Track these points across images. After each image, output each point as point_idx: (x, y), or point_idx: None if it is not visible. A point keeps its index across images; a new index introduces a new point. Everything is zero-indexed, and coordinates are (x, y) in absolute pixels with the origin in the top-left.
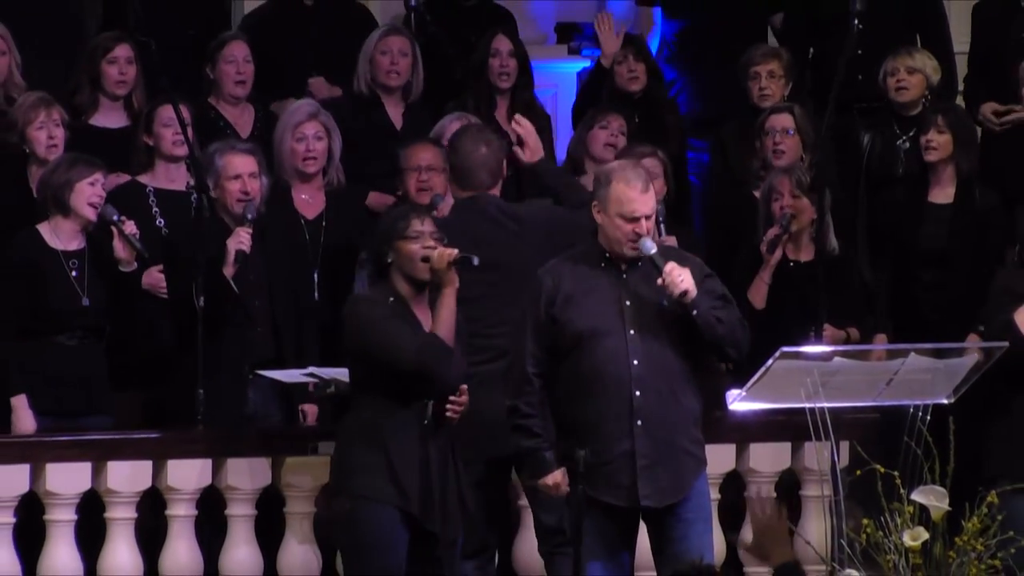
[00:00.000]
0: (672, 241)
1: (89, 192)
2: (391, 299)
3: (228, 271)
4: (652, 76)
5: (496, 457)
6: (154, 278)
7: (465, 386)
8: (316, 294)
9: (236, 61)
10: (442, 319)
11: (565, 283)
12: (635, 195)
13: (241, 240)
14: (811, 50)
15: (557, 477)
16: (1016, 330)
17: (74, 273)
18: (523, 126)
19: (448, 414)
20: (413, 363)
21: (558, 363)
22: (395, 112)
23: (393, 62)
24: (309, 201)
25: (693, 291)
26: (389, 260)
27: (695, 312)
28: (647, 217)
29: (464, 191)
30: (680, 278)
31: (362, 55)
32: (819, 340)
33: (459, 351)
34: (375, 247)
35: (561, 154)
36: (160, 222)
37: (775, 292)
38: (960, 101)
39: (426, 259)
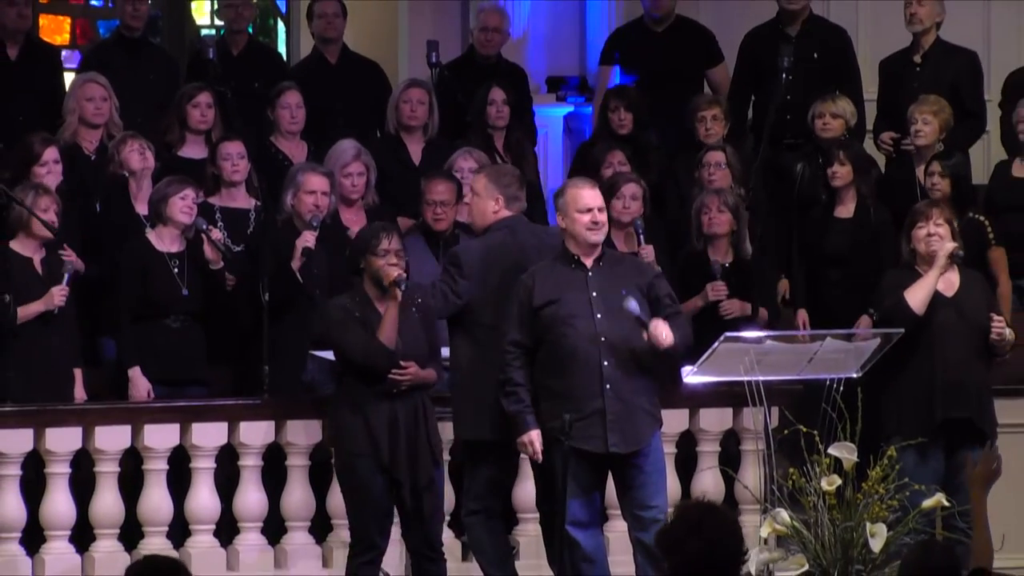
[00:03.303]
0: (649, 250)
1: (180, 204)
2: (357, 299)
3: (295, 264)
4: (638, 123)
5: None
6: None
7: (411, 362)
8: None
9: (290, 107)
10: (383, 326)
11: (544, 282)
12: (584, 192)
13: (307, 240)
14: (752, 96)
15: (533, 436)
16: (906, 306)
17: (176, 270)
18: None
19: (396, 379)
20: (359, 362)
21: (541, 344)
22: (415, 149)
23: (413, 109)
24: (353, 219)
25: (671, 342)
26: (361, 266)
27: (671, 352)
28: (600, 209)
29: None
30: (664, 334)
31: (390, 104)
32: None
33: (417, 340)
34: (351, 252)
35: (551, 179)
36: (224, 234)
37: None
38: (869, 137)
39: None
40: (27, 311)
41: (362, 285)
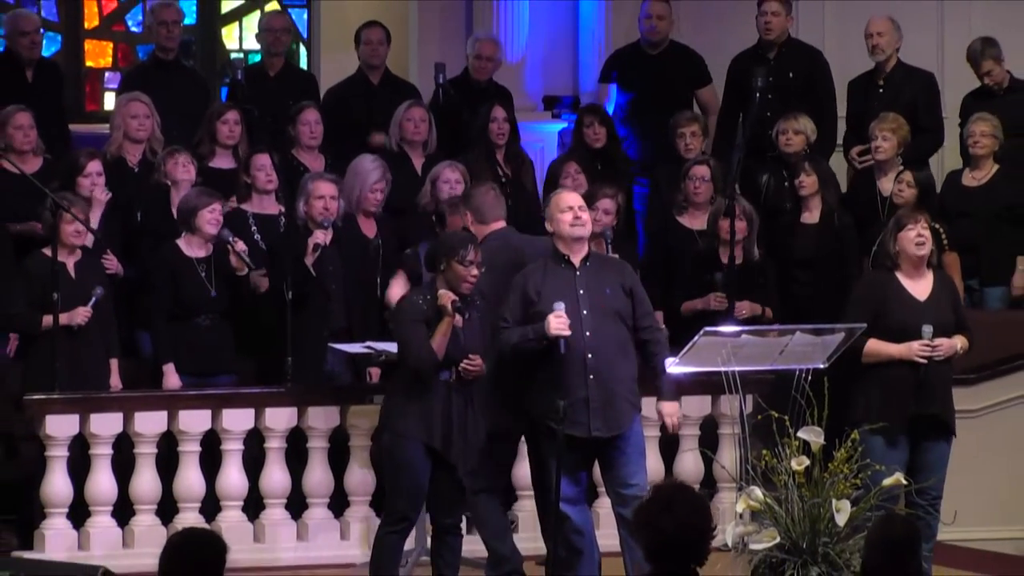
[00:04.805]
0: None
1: (208, 216)
2: (428, 295)
3: (308, 260)
4: (610, 136)
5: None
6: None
7: (477, 356)
8: (379, 291)
9: (309, 123)
10: (435, 338)
11: (536, 279)
12: (564, 194)
13: (318, 237)
14: (740, 114)
15: (551, 318)
16: (858, 347)
17: (203, 273)
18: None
19: (464, 370)
20: (410, 363)
21: None
22: (418, 163)
23: (416, 126)
24: (369, 226)
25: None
26: (442, 268)
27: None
28: (580, 207)
29: (486, 222)
30: (672, 424)
31: (392, 122)
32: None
33: (475, 336)
34: (435, 251)
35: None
36: (257, 237)
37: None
38: (840, 151)
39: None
40: (52, 319)
41: (436, 283)
